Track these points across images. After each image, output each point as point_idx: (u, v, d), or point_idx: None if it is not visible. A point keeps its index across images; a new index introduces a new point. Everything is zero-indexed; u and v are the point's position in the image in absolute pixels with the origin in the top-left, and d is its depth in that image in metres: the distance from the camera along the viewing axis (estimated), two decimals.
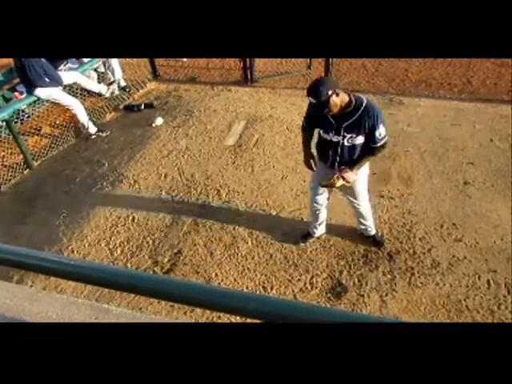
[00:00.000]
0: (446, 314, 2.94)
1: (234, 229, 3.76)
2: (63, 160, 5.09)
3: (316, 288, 3.21)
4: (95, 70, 6.14)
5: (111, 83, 5.98)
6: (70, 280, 1.44)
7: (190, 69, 6.82)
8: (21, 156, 4.93)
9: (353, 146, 2.80)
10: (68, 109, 5.25)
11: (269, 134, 4.95)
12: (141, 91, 6.42)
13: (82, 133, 5.42)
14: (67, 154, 5.20)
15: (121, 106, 6.02)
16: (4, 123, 4.69)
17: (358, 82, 5.98)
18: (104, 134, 5.40)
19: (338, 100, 2.61)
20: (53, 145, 5.25)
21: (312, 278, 3.29)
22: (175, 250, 3.63)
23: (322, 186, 3.02)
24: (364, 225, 3.40)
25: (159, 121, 5.43)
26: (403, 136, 4.77)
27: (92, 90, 5.71)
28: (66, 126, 5.49)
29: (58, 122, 5.58)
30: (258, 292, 3.22)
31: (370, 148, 2.80)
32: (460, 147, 4.52)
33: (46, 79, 4.77)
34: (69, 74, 5.29)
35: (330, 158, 2.92)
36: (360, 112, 2.67)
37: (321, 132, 2.89)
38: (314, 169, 3.09)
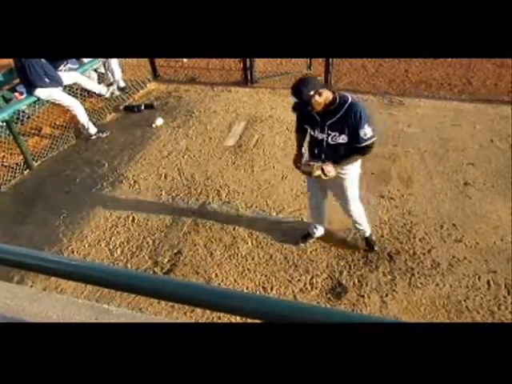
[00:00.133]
0: (446, 314, 2.94)
1: (234, 229, 3.76)
2: (63, 160, 5.10)
3: (316, 288, 3.21)
4: (95, 70, 6.14)
5: (111, 84, 5.98)
6: (70, 280, 1.44)
7: (190, 69, 6.82)
8: (21, 156, 4.93)
9: (337, 145, 2.78)
10: (68, 109, 5.25)
11: (269, 134, 4.95)
12: (141, 92, 6.43)
13: (82, 133, 5.42)
14: (67, 155, 5.20)
15: (121, 107, 6.03)
16: (4, 124, 4.69)
17: (358, 83, 5.99)
18: (104, 135, 5.40)
19: (321, 99, 2.63)
20: (53, 145, 5.25)
21: (312, 278, 3.28)
22: (175, 251, 3.63)
23: (300, 171, 2.97)
24: (358, 228, 3.39)
25: (159, 121, 5.44)
26: (403, 136, 4.77)
27: (92, 90, 5.71)
28: (66, 127, 5.49)
29: (58, 123, 5.59)
30: (258, 292, 3.22)
31: (356, 148, 2.76)
32: (460, 148, 4.52)
33: (46, 80, 4.77)
34: (69, 74, 5.30)
35: (316, 155, 2.94)
36: (344, 110, 2.67)
37: (309, 129, 2.90)
38: (303, 166, 3.03)
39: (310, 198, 3.33)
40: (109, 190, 4.41)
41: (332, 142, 2.78)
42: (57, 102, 5.14)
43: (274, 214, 3.89)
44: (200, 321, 2.99)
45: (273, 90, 6.03)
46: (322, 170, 2.78)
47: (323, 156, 2.88)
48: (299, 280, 3.28)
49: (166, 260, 3.56)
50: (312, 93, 2.57)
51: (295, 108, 2.70)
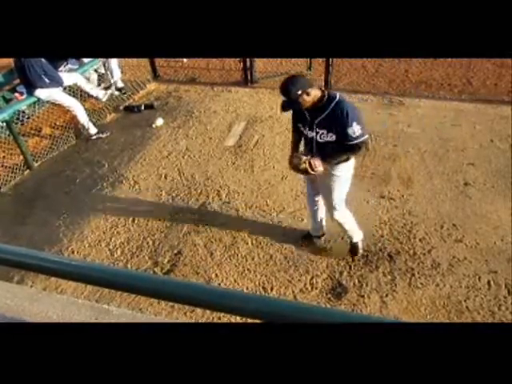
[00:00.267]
0: (446, 314, 2.94)
1: (234, 229, 3.76)
2: (63, 161, 5.10)
3: (316, 289, 3.21)
4: (95, 70, 6.14)
5: (109, 87, 5.97)
6: (70, 280, 1.44)
7: (190, 69, 6.82)
8: (21, 157, 4.93)
9: (326, 144, 2.77)
10: (68, 110, 5.25)
11: (269, 134, 4.95)
12: (141, 92, 6.43)
13: (83, 134, 5.43)
14: (67, 155, 5.20)
15: (121, 107, 6.03)
16: (4, 124, 4.69)
17: (359, 83, 5.99)
18: (104, 135, 5.40)
19: (310, 98, 2.64)
20: (53, 146, 5.25)
21: (312, 278, 3.28)
22: (175, 251, 3.63)
23: (289, 165, 2.94)
24: (348, 233, 3.35)
25: (159, 121, 5.44)
26: (403, 137, 4.77)
27: (89, 93, 5.70)
28: (66, 127, 5.49)
29: (58, 123, 5.59)
30: (258, 293, 3.22)
31: (346, 146, 2.73)
32: (460, 148, 4.52)
33: (46, 80, 4.77)
34: (69, 74, 5.30)
35: (308, 154, 2.94)
36: (331, 107, 2.66)
37: (301, 127, 2.90)
38: (295, 163, 3.00)
39: (308, 197, 3.34)
40: (109, 190, 4.41)
41: (321, 140, 2.78)
42: (57, 103, 5.14)
43: (274, 214, 3.88)
44: (200, 321, 2.99)
45: (273, 91, 6.02)
46: (310, 163, 2.76)
47: (313, 154, 2.88)
48: (299, 280, 3.28)
49: (166, 260, 3.56)
50: (300, 92, 2.59)
51: (284, 106, 2.71)
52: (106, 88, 5.95)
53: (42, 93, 4.82)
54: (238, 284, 3.31)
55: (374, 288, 3.16)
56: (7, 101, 5.67)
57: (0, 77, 5.84)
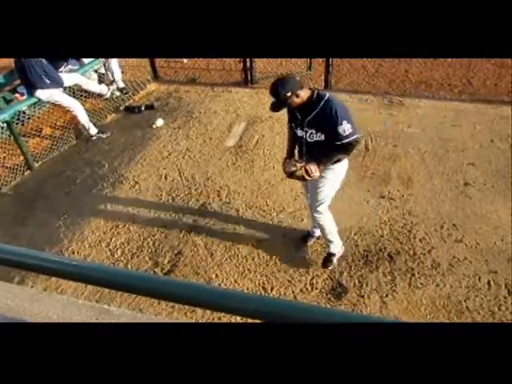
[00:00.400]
0: (447, 314, 2.94)
1: (234, 230, 3.77)
2: (64, 161, 5.10)
3: (316, 289, 3.21)
4: (96, 71, 6.14)
5: (111, 83, 5.98)
6: (71, 280, 1.44)
7: (190, 70, 6.83)
8: (21, 157, 4.94)
9: (315, 143, 2.77)
10: (69, 110, 5.25)
11: (269, 135, 4.95)
12: (141, 92, 6.43)
13: (83, 134, 5.43)
14: (68, 156, 5.20)
15: (121, 108, 6.03)
16: (5, 124, 4.69)
17: (359, 83, 5.99)
18: (104, 136, 5.40)
19: (299, 100, 2.65)
20: (53, 146, 5.25)
21: (312, 278, 3.28)
22: (175, 251, 3.63)
23: (284, 173, 2.91)
24: (326, 239, 3.28)
25: (160, 122, 5.44)
26: (403, 137, 4.77)
27: (93, 90, 5.71)
28: (66, 128, 5.50)
29: (58, 124, 5.59)
30: (258, 293, 3.22)
31: (337, 146, 2.71)
32: (460, 148, 4.52)
33: (47, 80, 4.78)
34: (69, 75, 5.30)
35: (299, 153, 2.95)
36: (320, 107, 2.66)
37: (293, 126, 2.90)
38: (287, 172, 2.99)
39: (307, 196, 3.35)
40: (109, 190, 4.41)
41: (310, 140, 2.78)
42: (57, 103, 5.15)
43: (274, 214, 3.89)
44: (200, 321, 2.99)
45: None
46: (306, 170, 2.73)
47: (304, 154, 2.90)
48: (299, 280, 3.28)
49: (167, 261, 3.56)
50: (289, 94, 2.59)
51: (273, 107, 2.72)
52: (109, 84, 5.94)
53: (42, 93, 4.83)
54: (238, 284, 3.31)
55: (374, 288, 3.16)
56: (8, 101, 5.67)
57: (1, 77, 5.84)
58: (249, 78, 6.22)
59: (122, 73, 6.27)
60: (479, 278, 3.14)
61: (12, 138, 4.82)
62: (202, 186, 4.31)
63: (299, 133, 2.83)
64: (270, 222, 3.80)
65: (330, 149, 2.74)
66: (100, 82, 6.11)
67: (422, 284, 3.14)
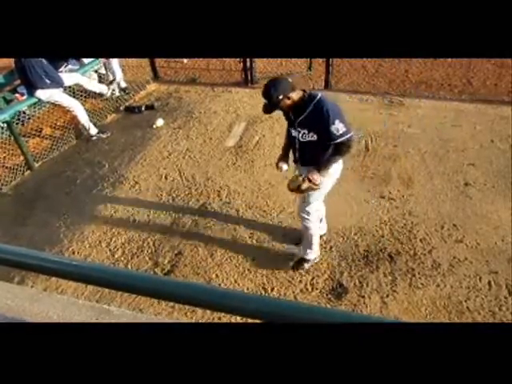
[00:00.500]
0: (447, 315, 2.93)
1: (234, 230, 3.76)
2: (64, 161, 5.10)
3: (316, 289, 3.21)
4: (96, 71, 6.15)
5: (111, 82, 5.97)
6: (71, 280, 1.44)
7: (191, 70, 6.83)
8: (21, 157, 4.94)
9: (308, 143, 2.76)
10: (69, 110, 5.26)
11: (269, 135, 4.95)
12: (141, 92, 6.43)
13: (83, 134, 5.43)
14: (68, 156, 5.21)
15: (121, 108, 6.03)
16: (5, 125, 4.70)
17: (359, 83, 5.99)
18: (105, 136, 5.40)
19: (291, 101, 2.65)
20: (53, 146, 5.26)
21: (313, 279, 3.28)
22: (176, 251, 3.63)
23: (290, 190, 2.88)
24: (304, 242, 3.27)
25: (160, 122, 5.44)
26: (403, 137, 4.77)
27: (93, 90, 5.71)
28: (66, 128, 5.50)
29: (58, 124, 5.59)
30: (258, 293, 3.22)
31: (331, 146, 2.70)
32: (460, 148, 4.52)
33: (47, 81, 4.78)
34: (69, 75, 5.30)
35: (293, 153, 2.95)
36: (312, 107, 2.66)
37: (288, 126, 2.91)
38: (279, 167, 3.02)
39: None
40: (109, 190, 4.41)
41: (302, 140, 2.78)
42: (57, 103, 5.15)
43: (275, 214, 3.88)
44: (200, 321, 2.99)
45: None
46: (309, 180, 2.72)
47: (298, 155, 2.91)
48: (300, 281, 3.28)
49: (167, 261, 3.56)
50: (281, 97, 2.60)
51: (266, 109, 2.72)
52: (109, 83, 5.94)
53: (42, 93, 4.83)
54: (239, 284, 3.31)
55: (375, 288, 3.15)
56: (8, 101, 5.68)
57: (1, 78, 5.85)
58: (249, 78, 6.23)
59: (123, 73, 6.27)
60: (480, 279, 3.14)
61: (12, 138, 4.82)
62: (202, 186, 4.31)
63: (293, 133, 2.84)
64: (270, 222, 3.80)
65: (324, 149, 2.74)
66: (100, 82, 6.11)
67: (422, 284, 3.14)
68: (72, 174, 4.83)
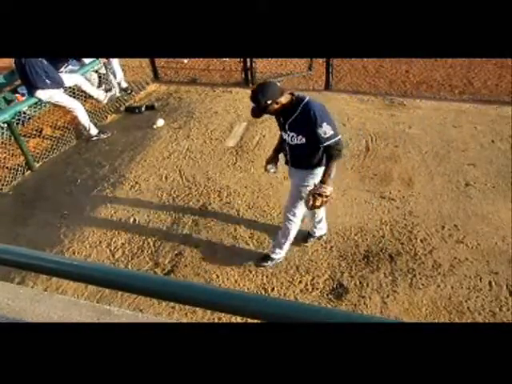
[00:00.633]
0: (448, 315, 2.93)
1: (234, 230, 3.76)
2: (64, 162, 5.10)
3: (317, 289, 3.20)
4: (96, 71, 6.15)
5: (110, 89, 5.97)
6: (71, 280, 1.44)
7: (191, 70, 6.83)
8: (22, 158, 4.94)
9: (298, 146, 2.79)
10: (69, 110, 5.25)
11: (269, 135, 4.95)
12: (142, 93, 6.44)
13: (83, 134, 5.43)
14: (68, 156, 5.21)
15: (122, 108, 6.04)
16: (5, 125, 4.70)
17: (359, 84, 5.99)
18: (105, 136, 5.40)
19: (279, 106, 2.67)
20: (54, 146, 5.26)
21: (313, 279, 3.28)
22: (176, 252, 3.63)
23: (309, 209, 2.95)
24: (277, 240, 3.32)
25: (160, 122, 5.44)
26: (404, 137, 4.77)
27: (90, 94, 5.70)
28: (67, 128, 5.50)
29: (59, 124, 5.59)
30: (258, 293, 3.21)
31: (322, 149, 2.73)
32: (461, 148, 4.52)
33: (47, 81, 4.78)
34: (70, 75, 5.30)
35: (284, 155, 2.99)
36: (299, 110, 2.68)
37: (279, 128, 2.94)
38: (267, 169, 3.13)
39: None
40: (110, 190, 4.41)
41: (292, 143, 2.81)
42: (58, 104, 5.15)
43: (275, 214, 3.88)
44: (200, 322, 2.99)
45: None
46: (319, 194, 2.76)
47: (289, 156, 2.94)
48: (300, 281, 3.28)
49: (167, 261, 3.56)
50: (270, 102, 2.62)
51: (254, 113, 2.73)
52: (107, 90, 5.95)
53: (42, 94, 4.83)
54: (239, 285, 3.31)
55: (375, 289, 3.15)
56: (8, 102, 5.68)
57: (1, 78, 5.85)
58: (249, 78, 6.23)
59: (124, 73, 6.27)
60: (480, 279, 3.14)
61: (12, 138, 4.82)
62: (203, 186, 4.31)
63: (284, 135, 2.88)
64: (271, 223, 3.80)
65: (314, 152, 2.77)
66: (100, 82, 6.11)
67: (422, 285, 3.14)
68: (72, 174, 4.83)
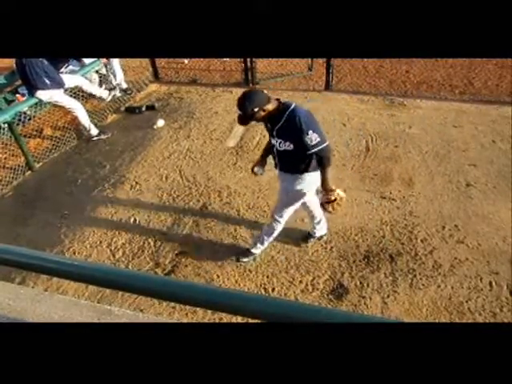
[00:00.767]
0: (448, 316, 2.93)
1: (235, 230, 3.76)
2: (65, 162, 5.10)
3: (317, 289, 3.20)
4: (97, 72, 6.15)
5: (113, 88, 5.98)
6: (72, 280, 1.44)
7: (191, 70, 6.83)
8: (22, 158, 4.94)
9: (285, 152, 2.81)
10: (69, 111, 5.26)
11: None
12: (142, 93, 6.44)
13: (84, 135, 5.43)
14: (69, 156, 5.21)
15: (122, 108, 6.04)
16: (6, 125, 4.70)
17: (359, 84, 5.99)
18: (105, 136, 5.41)
19: (266, 113, 2.67)
20: (54, 147, 5.26)
21: (313, 279, 3.28)
22: (176, 252, 3.63)
23: (330, 213, 3.06)
24: (261, 236, 3.38)
25: (160, 122, 5.45)
26: (404, 137, 4.77)
27: (93, 93, 5.71)
28: (67, 128, 5.50)
29: (59, 124, 5.60)
30: (259, 293, 3.21)
31: (308, 155, 2.74)
32: (462, 149, 4.52)
33: (48, 81, 4.78)
34: (70, 76, 5.31)
35: (273, 159, 3.01)
36: (285, 117, 2.69)
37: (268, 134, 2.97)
38: (255, 172, 3.16)
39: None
40: (110, 191, 4.42)
41: (280, 149, 2.83)
42: (58, 104, 5.15)
43: None
44: (201, 322, 2.99)
45: (274, 92, 6.03)
46: (327, 203, 2.87)
47: (277, 161, 2.97)
48: (301, 281, 3.28)
49: (168, 261, 3.56)
50: (256, 110, 2.62)
51: (241, 121, 2.74)
52: (110, 89, 5.95)
53: (43, 94, 4.83)
54: (239, 285, 3.31)
55: (376, 289, 3.15)
56: (9, 102, 5.68)
57: (2, 78, 5.86)
58: (249, 78, 6.23)
59: (124, 73, 6.28)
60: (481, 279, 3.14)
61: (13, 138, 4.82)
62: (203, 186, 4.31)
63: (272, 141, 2.89)
64: None
65: (301, 157, 2.78)
66: (101, 82, 6.11)
67: (423, 285, 3.14)
68: (73, 174, 4.83)
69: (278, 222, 3.20)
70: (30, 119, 5.39)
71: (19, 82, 5.51)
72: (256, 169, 3.14)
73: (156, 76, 6.72)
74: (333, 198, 2.83)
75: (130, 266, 3.55)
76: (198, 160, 4.72)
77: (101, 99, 5.84)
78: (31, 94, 4.86)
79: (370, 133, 4.85)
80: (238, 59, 6.35)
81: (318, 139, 2.65)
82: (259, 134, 5.00)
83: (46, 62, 4.78)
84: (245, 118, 2.71)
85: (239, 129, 5.15)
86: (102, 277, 1.22)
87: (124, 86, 6.21)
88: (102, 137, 5.39)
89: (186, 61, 7.09)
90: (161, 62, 6.81)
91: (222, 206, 4.04)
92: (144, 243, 3.75)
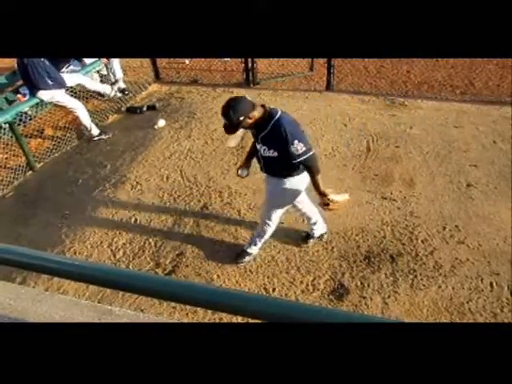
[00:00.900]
0: (449, 316, 2.93)
1: (235, 230, 3.76)
2: (66, 162, 5.11)
3: (318, 290, 3.20)
4: (97, 72, 6.16)
5: (114, 83, 5.98)
6: (72, 280, 1.45)
7: (192, 71, 6.84)
8: (23, 158, 4.95)
9: (270, 158, 2.81)
10: (71, 111, 5.27)
11: None
12: (143, 93, 6.44)
13: (85, 135, 5.44)
14: (70, 156, 5.22)
15: (123, 108, 6.04)
16: (7, 125, 4.71)
17: (360, 84, 5.99)
18: (106, 136, 5.41)
19: (252, 120, 2.66)
20: (55, 147, 5.27)
21: (314, 279, 3.28)
22: (177, 252, 3.63)
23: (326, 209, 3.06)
24: (253, 238, 3.41)
25: (161, 123, 5.45)
26: (405, 138, 4.77)
27: (96, 90, 5.72)
28: (68, 128, 5.51)
29: (60, 124, 5.60)
30: (259, 294, 3.21)
31: (293, 164, 2.74)
32: (462, 149, 4.52)
33: (49, 81, 4.79)
34: (71, 75, 5.32)
35: (258, 163, 3.02)
36: (271, 126, 2.68)
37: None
38: (239, 174, 3.19)
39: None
40: (111, 191, 4.42)
41: (264, 155, 2.83)
42: (59, 104, 5.16)
43: None
44: (201, 322, 2.99)
45: (274, 92, 6.05)
46: (326, 204, 2.88)
47: (262, 166, 2.98)
48: (301, 281, 3.28)
49: (168, 261, 3.56)
50: (242, 118, 2.60)
51: (227, 129, 2.73)
52: (112, 83, 5.95)
53: (44, 94, 4.84)
54: (240, 285, 3.31)
55: (376, 289, 3.15)
56: (10, 102, 5.69)
57: (3, 78, 5.87)
58: (250, 78, 6.23)
59: (124, 74, 6.28)
60: (481, 280, 3.14)
61: (14, 138, 4.83)
62: (204, 186, 4.31)
63: (257, 146, 2.88)
64: None
65: (286, 164, 2.78)
66: (102, 82, 6.12)
67: (424, 285, 3.14)
68: (73, 174, 4.83)
69: (268, 224, 3.23)
70: (31, 119, 5.40)
71: (20, 82, 5.53)
72: (240, 171, 3.17)
73: (157, 76, 6.73)
74: (329, 201, 2.86)
75: (130, 266, 3.56)
76: (198, 160, 4.72)
77: (104, 95, 5.84)
78: (32, 94, 4.87)
79: (370, 133, 4.84)
80: (239, 59, 6.35)
81: (304, 148, 2.65)
82: None
83: (47, 62, 4.79)
84: (231, 127, 2.68)
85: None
86: (102, 277, 1.22)
87: (122, 86, 6.21)
88: (103, 137, 5.40)
89: (186, 61, 7.09)
90: (162, 62, 6.81)
91: (222, 206, 4.05)
92: (145, 243, 3.75)
